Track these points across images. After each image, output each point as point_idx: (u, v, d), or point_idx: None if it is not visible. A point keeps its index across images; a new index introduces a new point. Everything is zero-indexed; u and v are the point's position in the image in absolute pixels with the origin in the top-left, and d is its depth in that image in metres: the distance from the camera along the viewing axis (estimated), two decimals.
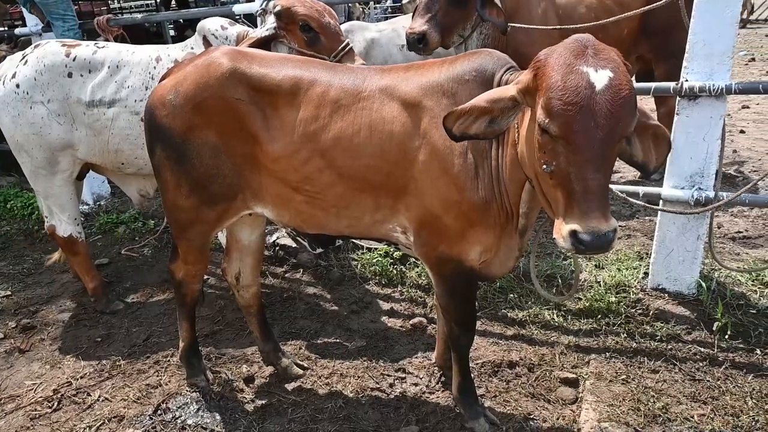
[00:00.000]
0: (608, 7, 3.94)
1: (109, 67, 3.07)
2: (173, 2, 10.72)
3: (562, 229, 1.48)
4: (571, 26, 3.32)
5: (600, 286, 3.06)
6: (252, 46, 2.82)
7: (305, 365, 2.73)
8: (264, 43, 2.89)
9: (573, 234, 1.44)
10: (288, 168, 2.04)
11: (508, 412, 2.36)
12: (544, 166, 1.52)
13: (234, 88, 2.03)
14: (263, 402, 2.51)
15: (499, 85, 1.87)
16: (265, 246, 3.00)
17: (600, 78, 1.43)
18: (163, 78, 2.25)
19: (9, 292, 3.73)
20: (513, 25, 3.31)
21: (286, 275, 3.66)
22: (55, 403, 2.60)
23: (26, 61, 3.10)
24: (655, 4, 2.77)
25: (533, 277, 2.23)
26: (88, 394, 2.65)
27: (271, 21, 2.92)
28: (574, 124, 1.43)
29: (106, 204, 5.02)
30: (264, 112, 2.04)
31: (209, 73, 2.06)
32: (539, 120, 1.49)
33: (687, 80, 2.64)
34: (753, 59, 9.71)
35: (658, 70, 4.27)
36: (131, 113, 3.03)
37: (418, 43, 3.08)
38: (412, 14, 4.19)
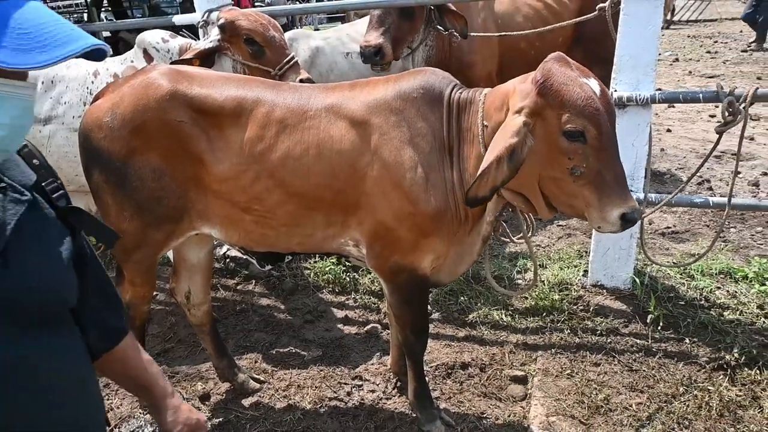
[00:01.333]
0: (544, 16, 4.13)
1: (43, 83, 2.94)
2: (105, 2, 10.30)
3: (607, 216, 1.71)
4: (515, 33, 3.49)
5: (544, 284, 3.22)
6: (195, 57, 2.79)
7: (262, 378, 2.73)
8: (207, 55, 2.86)
9: (622, 216, 1.69)
10: (235, 189, 2.03)
11: (463, 412, 2.46)
12: (573, 171, 1.71)
13: (175, 109, 2.00)
14: (220, 419, 2.50)
15: (450, 101, 1.96)
16: (214, 260, 2.97)
17: (595, 85, 1.72)
18: (96, 98, 2.16)
19: None
20: (474, 35, 3.42)
21: (238, 287, 3.64)
22: None
23: None
24: (584, 17, 2.94)
25: (488, 276, 2.33)
26: None
27: (215, 33, 2.89)
28: (603, 125, 1.67)
29: None
30: (207, 133, 2.02)
31: (148, 95, 2.01)
32: (566, 129, 1.68)
33: (616, 90, 2.81)
34: (677, 59, 10.34)
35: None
36: (69, 130, 2.92)
37: (374, 56, 3.11)
38: (360, 23, 4.26)
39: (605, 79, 4.26)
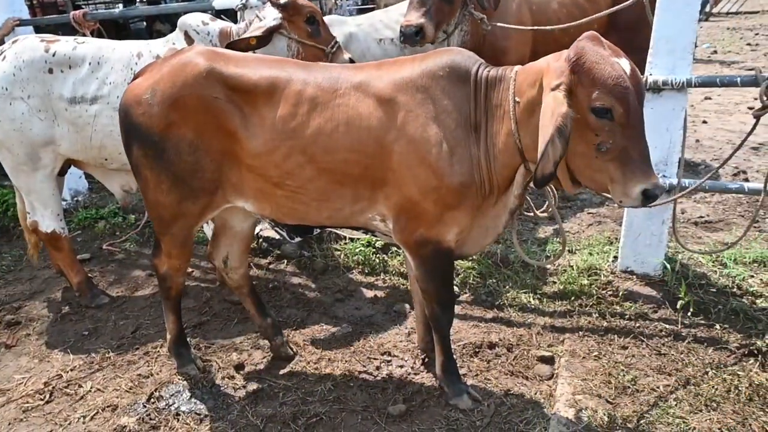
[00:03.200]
0: (579, 3, 4.10)
1: (90, 64, 3.08)
2: None
3: (630, 192, 1.77)
4: (548, 27, 3.48)
5: (573, 269, 3.23)
6: (262, 35, 2.89)
7: (294, 350, 2.82)
8: (270, 33, 2.97)
9: (644, 192, 1.76)
10: (268, 164, 2.12)
11: (490, 389, 2.50)
12: (599, 146, 1.77)
13: (211, 87, 2.10)
14: (254, 387, 2.60)
15: (477, 79, 2.01)
16: (254, 234, 3.07)
17: (626, 64, 1.75)
18: (135, 77, 2.28)
19: None
20: (503, 25, 3.43)
21: (271, 266, 3.74)
22: (47, 396, 2.64)
23: (4, 57, 3.09)
24: (623, 4, 2.93)
25: (516, 244, 2.39)
26: (80, 386, 2.70)
27: (274, 13, 2.99)
28: (631, 103, 1.72)
29: (84, 200, 5.00)
30: (242, 110, 2.11)
31: (186, 73, 2.12)
32: (595, 106, 1.73)
33: (651, 74, 2.80)
34: (715, 51, 10.08)
35: None
36: (114, 110, 3.03)
37: (415, 35, 3.12)
38: (393, 10, 4.29)
39: (640, 67, 4.27)
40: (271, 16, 2.95)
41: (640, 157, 1.77)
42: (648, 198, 1.77)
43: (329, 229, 3.79)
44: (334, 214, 2.22)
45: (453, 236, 2.14)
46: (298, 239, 3.54)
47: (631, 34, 4.28)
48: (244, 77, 2.11)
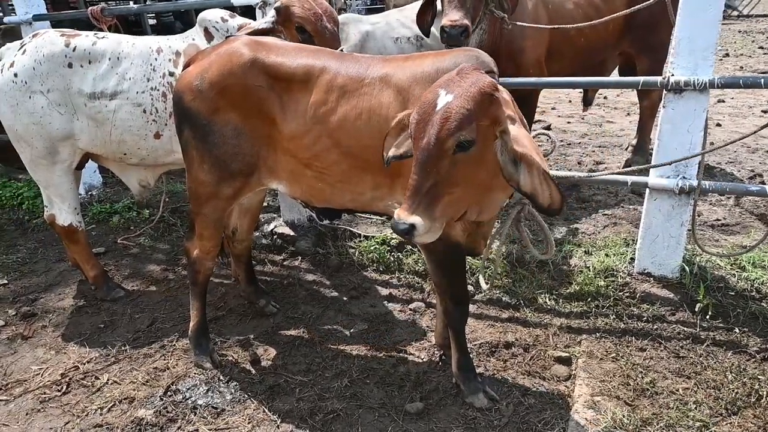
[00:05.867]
0: (594, 3, 4.08)
1: (110, 59, 3.08)
2: None
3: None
4: (569, 26, 3.47)
5: (589, 271, 3.21)
6: (249, 35, 2.88)
7: (277, 306, 3.17)
8: (260, 35, 2.94)
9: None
10: (300, 146, 2.25)
11: (506, 388, 2.49)
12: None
13: (254, 75, 2.25)
14: (271, 383, 2.60)
15: None
16: (261, 210, 3.29)
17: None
18: (186, 65, 2.48)
19: (5, 281, 3.73)
20: (521, 24, 3.41)
21: (285, 263, 3.74)
22: (64, 387, 2.66)
23: (24, 51, 3.10)
24: (644, 3, 2.91)
25: (523, 237, 2.32)
26: (97, 378, 2.71)
27: (271, 14, 2.97)
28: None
29: (98, 194, 5.02)
30: (281, 97, 2.26)
31: (232, 62, 2.28)
32: None
33: (673, 75, 2.78)
34: (727, 54, 10.02)
35: (640, 64, 4.46)
36: (133, 105, 3.05)
37: (460, 36, 3.00)
38: (409, 9, 4.28)
39: (654, 70, 4.30)
40: (267, 18, 2.94)
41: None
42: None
43: (345, 228, 3.80)
44: (357, 197, 2.33)
45: (460, 230, 2.20)
46: (326, 221, 3.67)
47: (647, 33, 4.28)
48: (283, 66, 2.26)
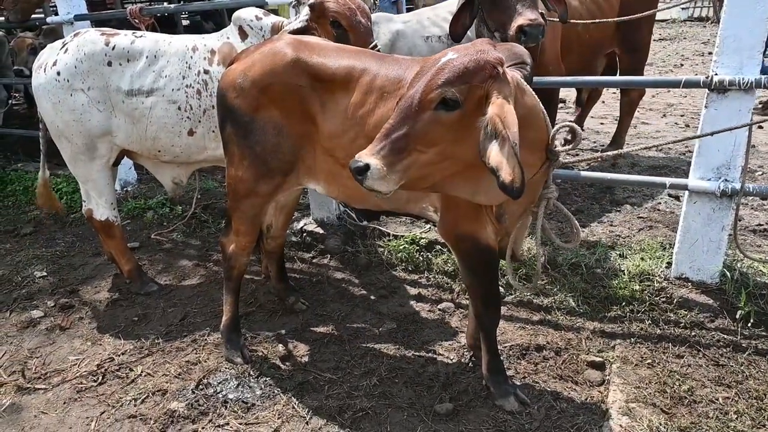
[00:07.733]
0: (598, 0, 4.12)
1: (147, 57, 3.14)
2: None
3: None
4: (602, 20, 3.42)
5: (624, 274, 3.13)
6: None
7: (306, 304, 3.19)
8: (297, 34, 2.95)
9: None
10: (338, 146, 2.26)
11: (538, 392, 2.45)
12: None
13: (297, 75, 2.27)
14: (300, 379, 2.61)
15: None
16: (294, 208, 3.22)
17: None
18: (230, 63, 2.51)
19: (45, 273, 3.84)
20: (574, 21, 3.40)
21: (314, 261, 3.76)
22: (100, 377, 2.72)
23: (66, 50, 3.18)
24: (678, 4, 2.83)
25: (507, 259, 2.27)
26: (131, 370, 2.76)
27: (305, 12, 2.99)
28: None
29: (133, 190, 5.13)
30: (321, 97, 2.27)
31: (275, 61, 2.30)
32: None
33: (716, 74, 2.69)
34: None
35: (622, 63, 4.58)
36: (169, 102, 3.11)
37: (541, 35, 2.83)
38: (441, 8, 4.25)
39: (635, 69, 4.36)
40: (302, 16, 2.95)
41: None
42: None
43: (375, 226, 3.80)
44: (392, 198, 2.27)
45: (491, 233, 2.18)
46: (365, 222, 3.69)
47: (631, 33, 4.37)
48: (324, 67, 2.27)
